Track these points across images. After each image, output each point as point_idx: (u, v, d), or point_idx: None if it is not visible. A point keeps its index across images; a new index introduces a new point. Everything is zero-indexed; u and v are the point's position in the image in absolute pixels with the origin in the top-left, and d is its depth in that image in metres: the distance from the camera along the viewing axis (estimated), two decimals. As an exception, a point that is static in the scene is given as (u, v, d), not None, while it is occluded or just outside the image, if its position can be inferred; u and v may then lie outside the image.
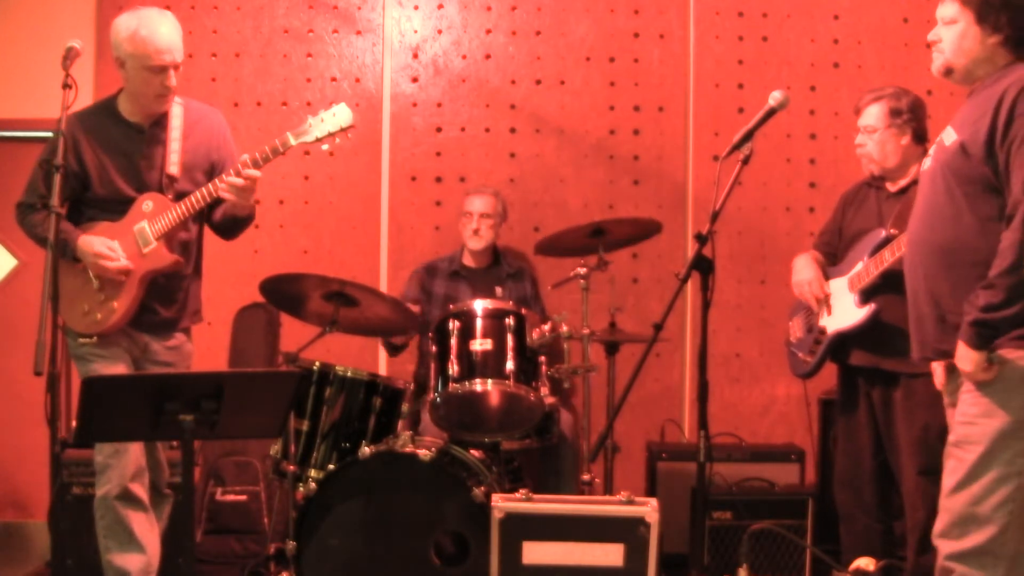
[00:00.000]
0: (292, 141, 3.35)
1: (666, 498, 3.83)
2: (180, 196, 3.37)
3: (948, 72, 2.72)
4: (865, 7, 4.72)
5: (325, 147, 3.40)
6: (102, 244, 3.30)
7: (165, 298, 3.43)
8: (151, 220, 3.34)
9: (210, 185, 3.33)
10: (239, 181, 3.28)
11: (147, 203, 3.36)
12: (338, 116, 3.36)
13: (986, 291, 2.50)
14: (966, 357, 2.54)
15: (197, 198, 3.33)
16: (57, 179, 2.90)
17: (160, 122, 3.40)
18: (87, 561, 3.55)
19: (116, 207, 3.36)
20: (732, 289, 4.70)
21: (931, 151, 2.79)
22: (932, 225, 2.68)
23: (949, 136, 2.68)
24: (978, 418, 2.56)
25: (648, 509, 3.09)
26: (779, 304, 4.59)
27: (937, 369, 2.78)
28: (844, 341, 3.56)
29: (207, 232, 3.59)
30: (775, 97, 3.06)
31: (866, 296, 3.48)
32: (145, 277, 3.35)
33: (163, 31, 3.27)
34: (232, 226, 3.52)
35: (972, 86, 2.72)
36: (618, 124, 4.76)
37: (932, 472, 3.34)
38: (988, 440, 2.54)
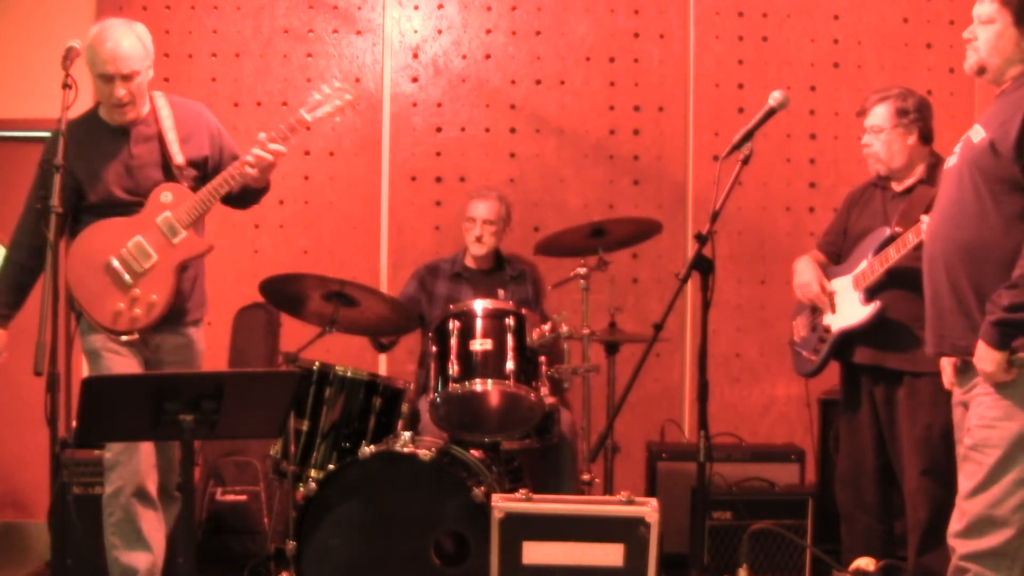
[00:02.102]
0: (308, 118, 3.49)
1: (666, 498, 3.83)
2: (188, 185, 3.40)
3: (981, 71, 2.72)
4: (865, 7, 4.72)
5: (338, 119, 3.60)
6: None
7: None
8: (174, 210, 3.35)
9: (232, 169, 3.37)
10: (268, 156, 3.35)
11: (165, 194, 3.37)
12: (340, 89, 3.52)
13: (1010, 291, 2.50)
14: (987, 357, 2.54)
15: (221, 183, 3.36)
16: (57, 179, 2.89)
17: (145, 119, 3.41)
18: (87, 561, 3.55)
19: (111, 211, 3.36)
20: (732, 289, 4.70)
21: (956, 148, 2.78)
22: (957, 223, 2.68)
23: (977, 134, 2.68)
24: (997, 421, 2.56)
25: (648, 509, 3.09)
26: (779, 304, 4.59)
27: (946, 367, 2.77)
28: (848, 339, 3.57)
29: (208, 228, 3.59)
30: (775, 97, 3.06)
31: (870, 294, 3.48)
32: (180, 266, 3.37)
33: (111, 39, 3.23)
34: (250, 197, 3.56)
35: (1002, 86, 2.72)
36: (618, 124, 4.76)
37: (934, 472, 3.35)
38: (1007, 444, 2.54)
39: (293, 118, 3.45)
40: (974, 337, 2.58)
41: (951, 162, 2.79)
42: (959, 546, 2.62)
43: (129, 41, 3.27)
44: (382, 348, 4.40)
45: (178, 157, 3.39)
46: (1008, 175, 2.58)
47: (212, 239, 3.63)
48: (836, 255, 3.75)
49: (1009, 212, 2.59)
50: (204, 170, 3.47)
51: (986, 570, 2.56)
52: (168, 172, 3.39)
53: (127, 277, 3.33)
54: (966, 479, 2.63)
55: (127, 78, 3.27)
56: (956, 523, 2.64)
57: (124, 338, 3.33)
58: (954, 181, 2.73)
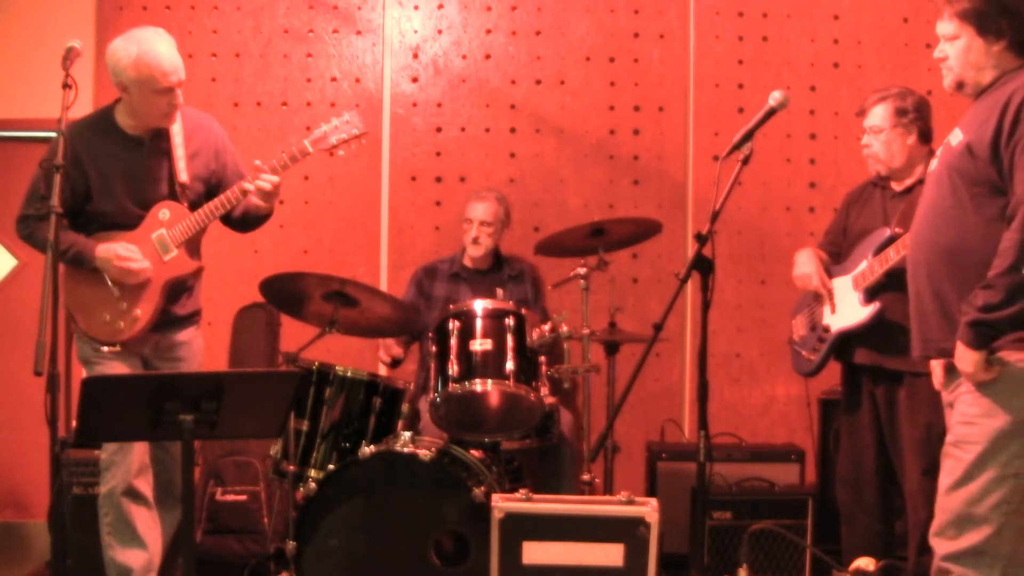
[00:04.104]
0: (310, 149, 3.44)
1: (666, 498, 3.83)
2: (190, 204, 3.41)
3: (959, 86, 2.73)
4: (865, 7, 4.72)
5: (341, 152, 3.51)
6: (123, 248, 3.32)
7: (175, 298, 3.46)
8: (169, 228, 3.37)
9: (229, 193, 3.38)
10: (267, 186, 3.36)
11: (163, 211, 3.39)
12: (351, 123, 3.47)
13: (985, 291, 2.51)
14: (966, 358, 2.55)
15: (217, 205, 3.38)
16: (57, 179, 2.90)
17: (159, 133, 3.42)
18: (87, 561, 3.55)
19: (120, 219, 3.38)
20: (732, 289, 4.70)
21: (938, 152, 2.79)
22: (937, 225, 2.69)
23: (956, 137, 2.69)
24: (978, 418, 2.57)
25: (648, 509, 3.09)
26: (779, 304, 4.59)
27: (936, 369, 2.78)
28: (848, 339, 3.57)
29: (208, 229, 3.59)
30: (775, 97, 3.06)
31: (870, 295, 3.48)
32: (167, 284, 3.39)
33: (164, 53, 3.27)
34: (253, 222, 3.58)
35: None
36: (618, 124, 4.76)
37: (935, 472, 3.33)
38: (987, 440, 2.54)
39: (295, 147, 3.43)
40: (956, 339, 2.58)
41: (932, 166, 2.80)
42: (939, 546, 2.62)
43: (174, 46, 3.32)
44: (393, 363, 4.37)
45: (183, 175, 3.40)
46: (985, 177, 2.59)
47: (212, 238, 3.64)
48: (836, 254, 3.76)
49: (988, 214, 2.59)
50: (208, 186, 3.48)
51: (967, 570, 2.55)
52: (172, 189, 3.41)
53: (115, 290, 3.34)
54: (946, 475, 2.64)
55: (183, 83, 3.33)
56: (935, 522, 2.65)
57: (105, 349, 3.35)
58: (934, 185, 2.74)
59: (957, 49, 2.69)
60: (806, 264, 3.70)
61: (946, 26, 2.70)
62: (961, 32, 2.67)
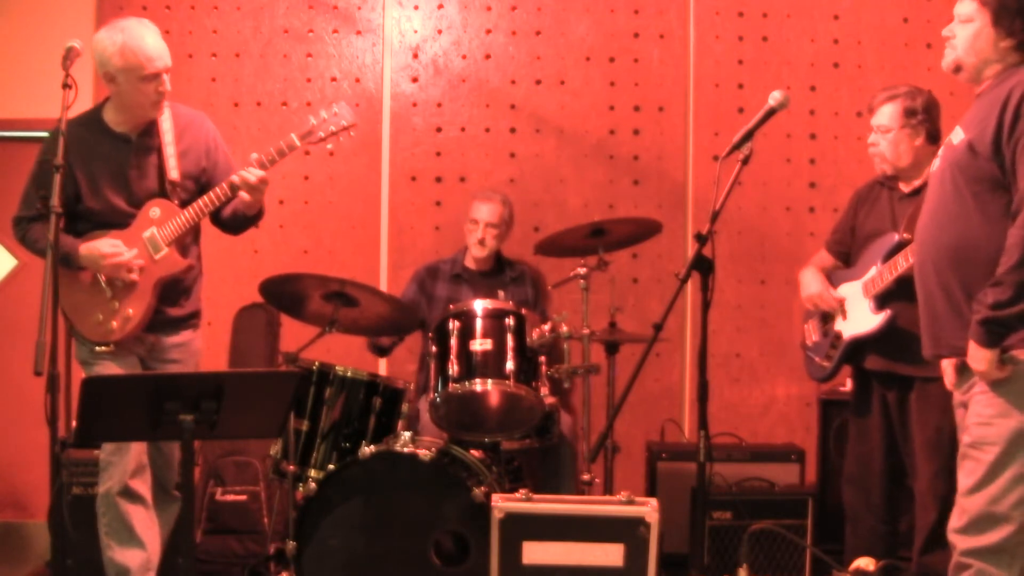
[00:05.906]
0: (297, 142, 3.41)
1: (666, 498, 3.83)
2: (181, 202, 3.40)
3: (957, 69, 2.75)
4: (865, 7, 4.72)
5: (329, 146, 3.45)
6: (107, 244, 3.31)
7: (171, 298, 3.45)
8: (160, 226, 3.36)
9: (217, 189, 3.37)
10: (251, 178, 3.31)
11: (154, 210, 3.38)
12: (340, 115, 3.45)
13: (994, 288, 2.51)
14: (978, 356, 2.55)
15: (206, 202, 3.36)
16: (57, 179, 2.90)
17: (148, 131, 3.41)
18: (87, 561, 3.54)
19: (110, 218, 3.37)
20: (732, 289, 4.70)
21: (940, 151, 2.79)
22: (942, 224, 2.69)
23: (957, 136, 2.70)
24: (994, 418, 2.58)
25: (648, 509, 3.09)
26: (779, 304, 4.60)
27: (948, 368, 2.78)
28: (860, 346, 3.56)
29: (205, 233, 3.59)
30: (775, 97, 3.06)
31: (881, 302, 3.47)
32: (158, 283, 3.38)
33: (149, 40, 3.28)
34: (242, 223, 3.55)
35: (980, 87, 2.73)
36: (618, 124, 4.76)
37: (944, 474, 3.34)
38: (1005, 440, 2.56)
39: (283, 141, 3.42)
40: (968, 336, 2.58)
41: (935, 166, 2.81)
42: (959, 542, 2.63)
43: (159, 34, 3.33)
44: (382, 352, 4.40)
45: (173, 172, 3.39)
46: (988, 174, 2.60)
47: (212, 238, 3.64)
48: (845, 255, 3.74)
49: (992, 211, 2.60)
50: (199, 185, 3.47)
51: (987, 566, 2.57)
52: (162, 187, 3.40)
53: (107, 290, 3.34)
54: (965, 476, 2.64)
55: (169, 70, 3.33)
56: (956, 520, 2.65)
57: (98, 348, 3.35)
58: (937, 184, 2.75)
59: (967, 32, 2.70)
60: (812, 284, 3.69)
61: (964, 6, 2.71)
62: (977, 16, 2.68)
